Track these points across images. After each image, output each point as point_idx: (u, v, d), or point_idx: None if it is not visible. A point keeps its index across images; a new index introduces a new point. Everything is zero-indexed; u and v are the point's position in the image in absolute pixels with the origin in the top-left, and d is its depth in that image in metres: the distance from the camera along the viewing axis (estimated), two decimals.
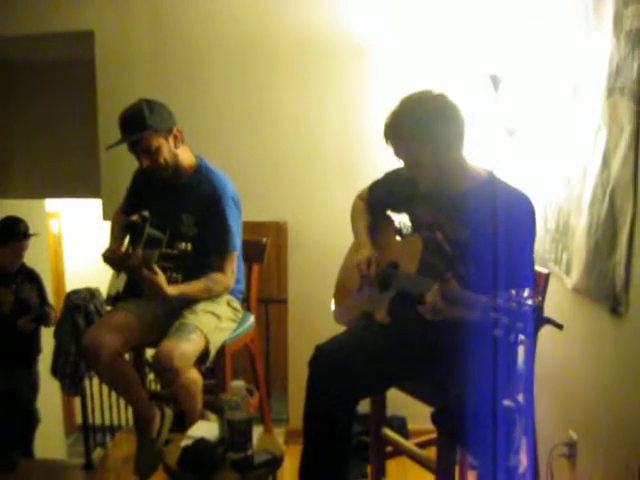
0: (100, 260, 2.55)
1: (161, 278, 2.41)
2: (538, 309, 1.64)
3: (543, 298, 2.22)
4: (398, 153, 2.12)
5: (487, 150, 2.91)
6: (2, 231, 3.63)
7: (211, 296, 2.63)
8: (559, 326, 1.67)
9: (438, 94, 2.05)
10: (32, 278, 3.79)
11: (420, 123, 2.02)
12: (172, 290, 2.46)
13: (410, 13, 3.25)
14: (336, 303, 2.48)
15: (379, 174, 2.44)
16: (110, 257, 2.51)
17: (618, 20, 1.95)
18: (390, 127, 2.09)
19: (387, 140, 2.11)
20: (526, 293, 1.67)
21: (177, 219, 2.62)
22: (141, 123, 2.45)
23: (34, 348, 3.78)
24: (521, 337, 1.67)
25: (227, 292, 2.70)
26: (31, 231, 3.74)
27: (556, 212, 2.57)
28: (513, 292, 1.67)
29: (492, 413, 1.87)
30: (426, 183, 2.13)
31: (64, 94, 4.59)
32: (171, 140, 2.54)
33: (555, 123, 2.61)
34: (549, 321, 1.66)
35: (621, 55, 1.94)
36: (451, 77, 3.04)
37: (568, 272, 2.40)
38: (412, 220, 2.29)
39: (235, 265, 2.67)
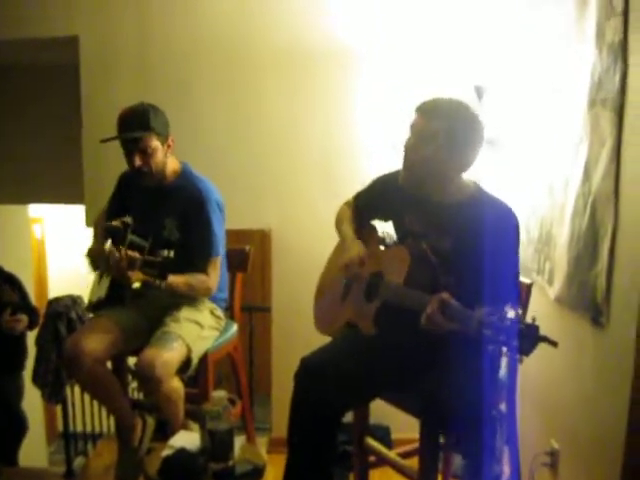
0: (83, 264, 2.56)
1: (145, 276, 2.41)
2: (534, 327, 1.65)
3: (526, 308, 2.23)
4: (419, 138, 2.04)
5: None
6: None
7: (191, 294, 2.61)
8: (554, 344, 1.67)
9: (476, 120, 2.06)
10: (12, 282, 3.75)
11: (467, 128, 2.02)
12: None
13: (396, 23, 3.26)
14: (316, 303, 2.47)
15: (364, 182, 2.44)
16: (93, 254, 2.55)
17: (600, 32, 1.97)
18: (435, 111, 2.04)
19: (422, 116, 2.04)
20: (520, 311, 1.67)
21: (160, 223, 2.62)
22: (145, 123, 2.48)
23: (20, 352, 3.74)
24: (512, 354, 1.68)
25: (208, 296, 2.68)
26: (12, 237, 3.70)
27: (539, 222, 2.58)
28: (507, 309, 1.67)
29: (477, 411, 1.87)
30: (418, 187, 2.11)
31: (48, 99, 4.57)
32: (165, 148, 2.57)
33: (538, 134, 2.63)
34: (545, 339, 1.66)
35: (603, 67, 1.95)
36: (435, 87, 3.05)
37: (551, 282, 2.41)
38: (397, 229, 2.28)
39: (219, 269, 2.66)
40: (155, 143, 2.51)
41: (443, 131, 1.99)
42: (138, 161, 2.51)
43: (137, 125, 2.48)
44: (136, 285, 2.45)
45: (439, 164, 2.03)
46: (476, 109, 2.72)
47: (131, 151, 2.51)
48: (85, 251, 2.64)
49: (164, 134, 2.55)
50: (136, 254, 2.39)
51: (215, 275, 2.64)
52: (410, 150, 2.08)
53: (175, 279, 2.50)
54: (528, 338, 1.64)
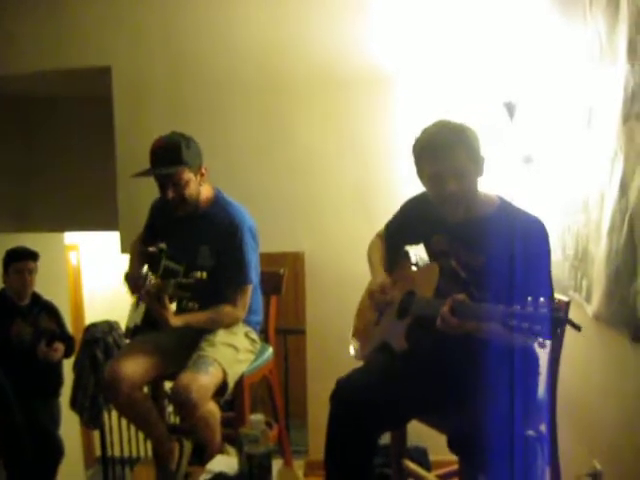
0: (119, 291, 2.59)
1: (169, 312, 2.44)
2: (556, 309, 1.64)
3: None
4: (437, 174, 2.06)
5: (504, 178, 2.90)
6: (6, 257, 3.68)
7: (216, 327, 2.62)
8: (577, 328, 1.66)
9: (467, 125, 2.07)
10: (50, 310, 3.81)
11: (468, 147, 2.03)
12: (176, 321, 2.48)
13: (425, 44, 3.28)
14: (355, 346, 2.46)
15: (395, 205, 2.44)
16: (131, 278, 2.60)
17: (632, 47, 1.95)
18: (436, 145, 2.05)
19: (437, 160, 2.05)
20: (542, 299, 1.65)
21: (194, 250, 2.63)
22: (177, 157, 2.48)
23: (56, 379, 3.79)
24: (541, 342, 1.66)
25: (236, 324, 2.69)
26: (48, 263, 3.77)
27: (574, 238, 2.55)
28: (529, 298, 1.66)
29: (512, 437, 1.85)
30: (452, 209, 2.12)
31: (83, 129, 4.67)
32: (198, 177, 2.57)
33: (572, 150, 2.60)
34: (568, 321, 1.65)
35: (636, 81, 1.93)
36: (466, 105, 3.05)
37: (588, 299, 2.37)
38: (428, 250, 2.30)
39: (248, 298, 2.67)
40: (188, 175, 2.52)
41: (463, 157, 2.02)
42: (171, 194, 2.52)
43: (169, 160, 2.48)
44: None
45: (471, 185, 2.07)
46: (507, 126, 2.74)
47: (164, 184, 2.53)
48: (123, 276, 2.68)
49: (196, 165, 2.55)
50: (166, 282, 2.43)
51: (243, 304, 2.65)
52: (453, 193, 2.06)
53: (196, 319, 2.56)
54: (551, 320, 1.62)
